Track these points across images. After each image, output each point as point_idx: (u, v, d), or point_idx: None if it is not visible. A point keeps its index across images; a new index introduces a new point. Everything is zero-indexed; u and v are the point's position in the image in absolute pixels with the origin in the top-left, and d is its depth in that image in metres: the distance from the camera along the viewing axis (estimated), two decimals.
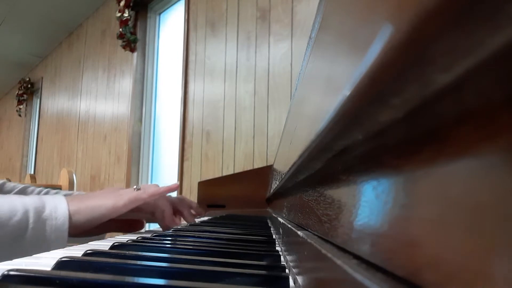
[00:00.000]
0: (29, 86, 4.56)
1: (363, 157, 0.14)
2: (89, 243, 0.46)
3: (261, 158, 1.47)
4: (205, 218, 1.08)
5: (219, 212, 1.43)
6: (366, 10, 0.09)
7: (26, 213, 0.46)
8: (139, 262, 0.27)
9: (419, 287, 0.08)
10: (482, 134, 0.07)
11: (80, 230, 0.51)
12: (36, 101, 4.49)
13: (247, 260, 0.32)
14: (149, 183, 2.48)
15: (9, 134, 5.29)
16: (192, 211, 0.76)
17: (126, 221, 0.62)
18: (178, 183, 0.63)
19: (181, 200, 0.75)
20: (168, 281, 0.22)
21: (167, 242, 0.41)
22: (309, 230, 0.24)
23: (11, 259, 0.30)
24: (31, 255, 0.34)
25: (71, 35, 3.66)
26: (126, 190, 0.56)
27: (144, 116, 2.52)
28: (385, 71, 0.08)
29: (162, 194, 0.58)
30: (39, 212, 0.47)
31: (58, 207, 0.49)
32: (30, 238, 0.45)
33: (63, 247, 0.46)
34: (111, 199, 0.52)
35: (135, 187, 0.58)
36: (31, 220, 0.46)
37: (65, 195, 0.73)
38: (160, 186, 0.66)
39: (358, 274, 0.11)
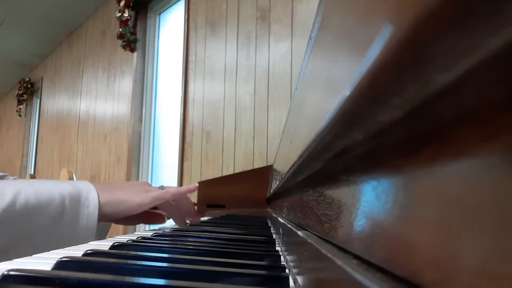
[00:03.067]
0: (29, 86, 4.56)
1: (363, 157, 0.14)
2: (89, 243, 0.46)
3: (261, 158, 1.47)
4: (205, 218, 1.08)
5: (219, 212, 1.43)
6: (366, 10, 0.09)
7: (63, 201, 0.51)
8: (139, 262, 0.27)
9: (419, 287, 0.08)
10: (482, 134, 0.07)
11: (108, 219, 0.57)
12: (36, 101, 4.49)
13: (247, 260, 0.32)
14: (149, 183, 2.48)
15: (9, 134, 5.29)
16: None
17: (149, 214, 0.67)
18: (197, 184, 0.69)
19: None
20: (168, 281, 0.22)
21: (167, 242, 0.41)
22: (309, 230, 0.24)
23: (48, 241, 0.33)
24: (65, 238, 0.40)
25: (71, 35, 3.66)
26: (151, 188, 0.62)
27: (144, 116, 2.52)
28: (385, 71, 0.08)
29: (183, 194, 0.64)
30: (74, 199, 0.52)
31: (89, 197, 0.54)
32: (65, 223, 0.50)
33: (92, 233, 0.52)
34: (139, 196, 0.58)
35: (159, 186, 0.65)
36: (67, 206, 0.51)
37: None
38: (161, 185, 0.73)
39: (358, 274, 0.11)
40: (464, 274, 0.07)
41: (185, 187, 0.65)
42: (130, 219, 0.62)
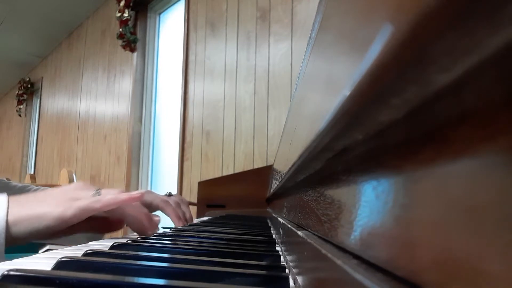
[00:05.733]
0: (29, 86, 4.56)
1: (363, 157, 0.14)
2: (89, 243, 0.46)
3: (261, 158, 1.47)
4: (205, 218, 1.08)
5: (219, 212, 1.43)
6: (366, 10, 0.09)
7: None
8: (139, 262, 0.27)
9: (419, 287, 0.08)
10: (482, 134, 0.07)
11: (23, 242, 0.43)
12: (36, 101, 4.49)
13: (247, 260, 0.32)
14: (149, 183, 2.48)
15: (9, 134, 5.29)
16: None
17: (102, 219, 0.52)
18: (144, 191, 0.51)
19: (167, 204, 0.71)
20: (168, 281, 0.22)
21: (167, 242, 0.41)
22: (309, 230, 0.24)
23: None
24: None
25: (71, 35, 3.66)
26: (83, 194, 0.47)
27: (144, 116, 2.52)
28: (385, 71, 0.08)
29: (120, 203, 0.47)
30: None
31: None
32: None
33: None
34: (59, 207, 0.43)
35: (96, 191, 0.48)
36: None
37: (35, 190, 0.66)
38: (146, 189, 0.61)
39: (358, 274, 0.11)
40: (464, 274, 0.07)
41: (126, 194, 0.48)
42: (73, 229, 0.47)
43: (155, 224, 0.54)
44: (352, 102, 0.10)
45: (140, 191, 0.50)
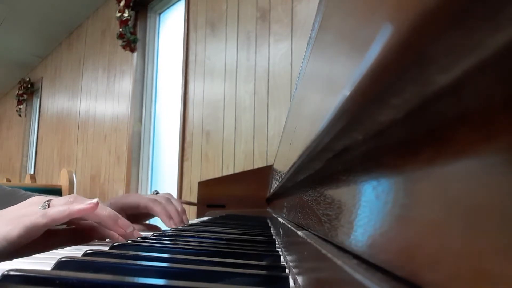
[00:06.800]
0: (29, 86, 4.56)
1: (363, 157, 0.14)
2: (89, 243, 0.46)
3: (261, 158, 1.47)
4: (205, 218, 1.08)
5: (219, 212, 1.43)
6: (366, 10, 0.09)
7: None
8: (139, 262, 0.27)
9: (419, 287, 0.08)
10: (482, 134, 0.07)
11: None
12: (36, 101, 4.49)
13: (247, 260, 0.32)
14: (149, 183, 2.47)
15: (9, 134, 5.29)
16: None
17: (73, 231, 0.47)
18: (97, 200, 0.43)
19: (155, 203, 0.63)
20: (168, 281, 0.22)
21: (167, 242, 0.41)
22: (309, 230, 0.24)
23: None
24: None
25: (71, 35, 3.66)
26: (30, 209, 0.42)
27: (144, 116, 2.52)
28: (385, 71, 0.08)
29: (71, 217, 0.41)
30: None
31: None
32: None
33: None
34: (5, 227, 0.38)
35: (45, 202, 0.43)
36: None
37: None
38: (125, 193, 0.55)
39: (358, 274, 0.11)
40: (464, 274, 0.07)
41: (78, 206, 0.41)
42: (42, 245, 0.42)
43: (125, 225, 0.46)
44: (352, 102, 0.10)
45: (96, 199, 0.43)
